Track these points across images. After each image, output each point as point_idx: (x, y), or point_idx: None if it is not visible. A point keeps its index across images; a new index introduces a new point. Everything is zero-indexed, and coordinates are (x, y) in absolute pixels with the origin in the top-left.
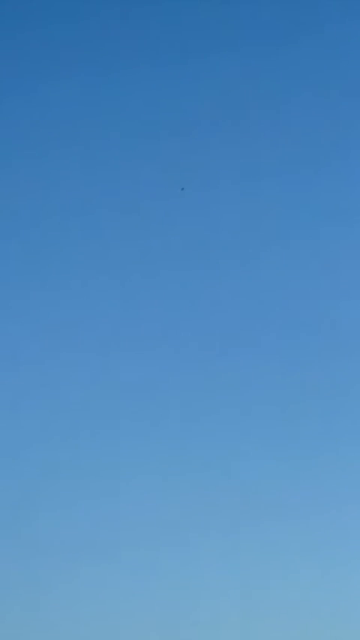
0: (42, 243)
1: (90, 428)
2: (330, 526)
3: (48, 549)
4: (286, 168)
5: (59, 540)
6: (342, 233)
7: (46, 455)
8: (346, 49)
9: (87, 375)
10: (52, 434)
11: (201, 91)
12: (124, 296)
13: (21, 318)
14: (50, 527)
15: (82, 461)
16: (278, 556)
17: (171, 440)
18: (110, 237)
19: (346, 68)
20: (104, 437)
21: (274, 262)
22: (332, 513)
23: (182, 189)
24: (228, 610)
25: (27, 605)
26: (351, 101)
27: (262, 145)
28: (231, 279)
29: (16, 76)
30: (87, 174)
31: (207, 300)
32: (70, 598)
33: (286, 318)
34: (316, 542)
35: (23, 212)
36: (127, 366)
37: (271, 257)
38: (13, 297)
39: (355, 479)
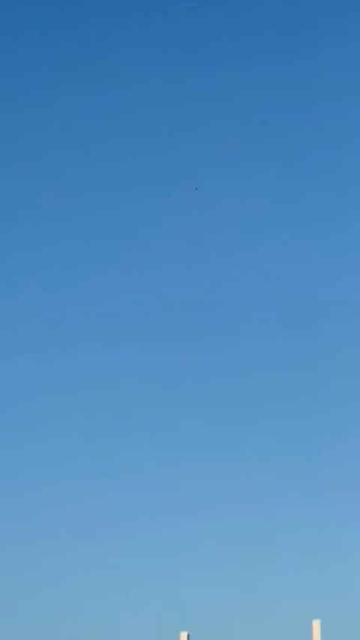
0: (42, 244)
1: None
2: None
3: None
4: (290, 170)
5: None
6: (343, 233)
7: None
8: (349, 54)
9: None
10: None
11: (207, 91)
12: (124, 295)
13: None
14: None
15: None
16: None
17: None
18: (112, 236)
19: (349, 72)
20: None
21: (276, 261)
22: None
23: (196, 188)
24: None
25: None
26: (353, 103)
27: (266, 147)
28: (232, 279)
29: (17, 79)
30: (88, 175)
31: (207, 300)
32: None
33: (286, 318)
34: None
35: (24, 212)
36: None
37: (273, 255)
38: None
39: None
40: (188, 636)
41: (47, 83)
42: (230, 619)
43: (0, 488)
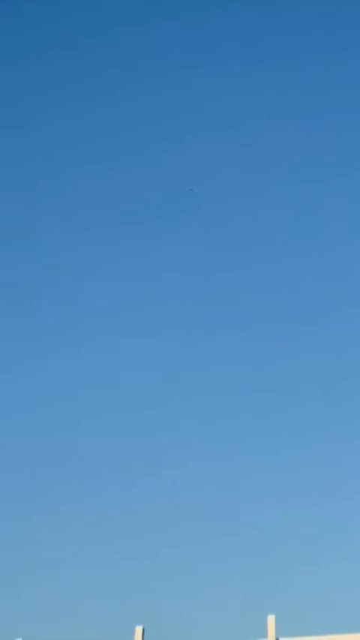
0: (41, 244)
1: None
2: None
3: None
4: (292, 171)
5: None
6: (345, 233)
7: None
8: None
9: None
10: None
11: (205, 92)
12: (124, 295)
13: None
14: None
15: None
16: None
17: None
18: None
19: (351, 74)
20: None
21: (278, 263)
22: None
23: (191, 189)
24: None
25: None
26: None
27: (267, 148)
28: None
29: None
30: (88, 176)
31: (208, 300)
32: None
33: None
34: None
35: (24, 211)
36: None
37: (276, 259)
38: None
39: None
40: (143, 630)
41: (48, 85)
42: (183, 613)
43: None
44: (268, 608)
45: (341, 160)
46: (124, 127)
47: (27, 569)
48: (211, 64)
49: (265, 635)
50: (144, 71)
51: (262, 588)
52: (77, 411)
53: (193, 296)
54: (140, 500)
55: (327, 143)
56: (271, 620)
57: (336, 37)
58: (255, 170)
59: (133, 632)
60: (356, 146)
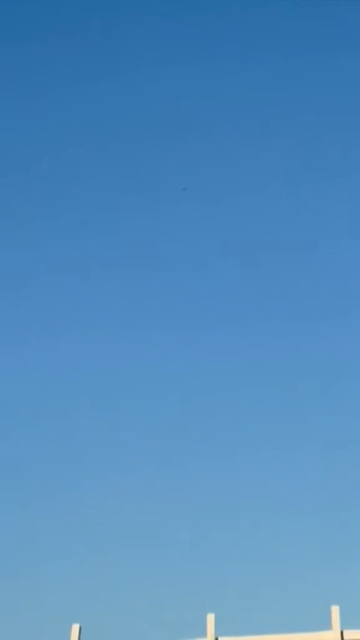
0: (41, 243)
1: None
2: None
3: None
4: (289, 170)
5: None
6: (343, 233)
7: None
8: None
9: None
10: None
11: (203, 91)
12: (123, 295)
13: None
14: None
15: None
16: None
17: None
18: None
19: (350, 73)
20: None
21: (275, 262)
22: None
23: (184, 189)
24: None
25: None
26: (355, 104)
27: (264, 146)
28: (231, 279)
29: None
30: (86, 175)
31: (206, 300)
32: None
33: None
34: None
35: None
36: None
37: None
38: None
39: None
40: (80, 629)
41: (48, 82)
42: (122, 611)
43: None
44: (208, 607)
45: (341, 157)
46: (123, 117)
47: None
48: (213, 58)
49: (205, 634)
50: (145, 62)
51: (201, 587)
52: (77, 404)
53: (191, 291)
54: (138, 492)
55: (328, 141)
56: (210, 618)
57: (337, 35)
58: (255, 167)
59: (69, 631)
60: (356, 145)
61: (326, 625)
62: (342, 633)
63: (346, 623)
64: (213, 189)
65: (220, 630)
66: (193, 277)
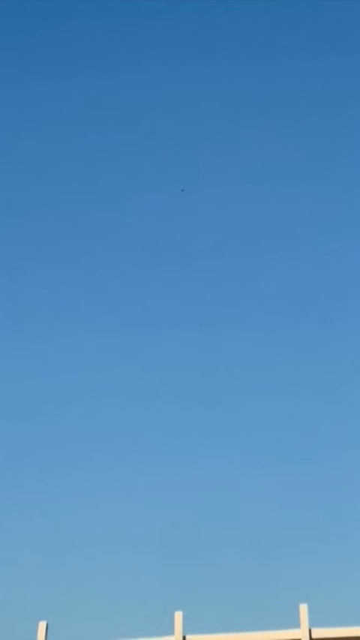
0: (40, 244)
1: None
2: None
3: None
4: (286, 170)
5: None
6: (342, 233)
7: None
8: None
9: None
10: None
11: (202, 90)
12: (122, 296)
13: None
14: None
15: None
16: None
17: None
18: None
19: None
20: None
21: (274, 263)
22: None
23: (182, 190)
24: None
25: None
26: (353, 102)
27: (262, 145)
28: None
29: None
30: (85, 175)
31: (205, 301)
32: None
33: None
34: None
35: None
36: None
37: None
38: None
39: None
40: (47, 625)
41: (47, 79)
42: (89, 608)
43: None
44: (177, 605)
45: (341, 151)
46: (123, 112)
47: None
48: (214, 56)
49: (173, 632)
50: (145, 59)
51: (169, 586)
52: (77, 404)
53: (193, 294)
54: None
55: (329, 138)
56: (178, 617)
57: (337, 33)
58: (256, 162)
59: (36, 628)
60: (356, 142)
61: (295, 623)
62: (310, 631)
63: (314, 621)
64: (212, 186)
65: (187, 629)
66: (193, 276)
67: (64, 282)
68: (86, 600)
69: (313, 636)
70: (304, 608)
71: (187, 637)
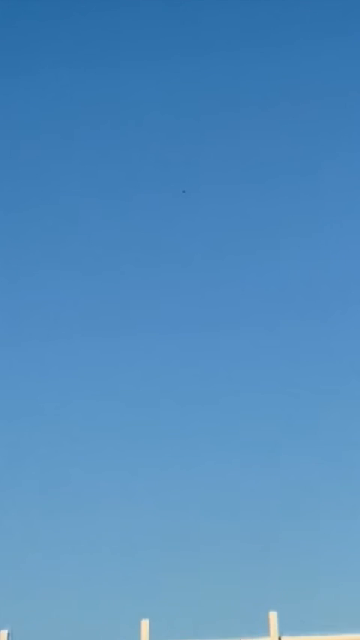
0: (39, 246)
1: None
2: None
3: None
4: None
5: None
6: (342, 236)
7: None
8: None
9: None
10: None
11: (202, 91)
12: (122, 297)
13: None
14: None
15: None
16: None
17: None
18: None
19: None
20: None
21: (274, 264)
22: None
23: (184, 191)
24: None
25: None
26: (352, 100)
27: (262, 142)
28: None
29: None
30: (85, 176)
31: (206, 302)
32: None
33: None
34: None
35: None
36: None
37: (270, 258)
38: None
39: None
40: (8, 635)
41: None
42: (51, 616)
43: None
44: (140, 613)
45: (340, 144)
46: (123, 107)
47: None
48: (213, 49)
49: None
50: (144, 53)
51: (133, 593)
52: (76, 404)
53: (193, 294)
54: (136, 496)
55: (326, 127)
56: (144, 625)
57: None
58: (256, 160)
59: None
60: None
61: (264, 631)
62: (280, 639)
63: (284, 629)
64: (212, 184)
65: (154, 636)
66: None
67: (64, 282)
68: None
69: None
70: (273, 616)
71: None
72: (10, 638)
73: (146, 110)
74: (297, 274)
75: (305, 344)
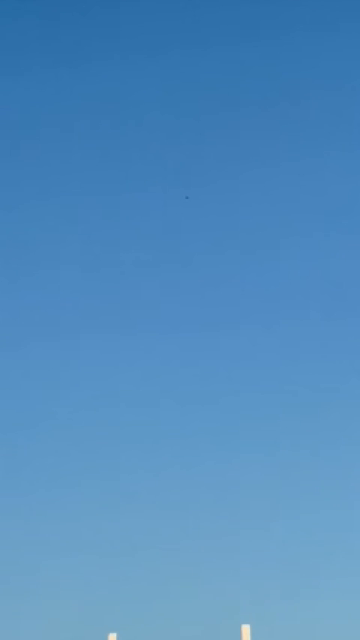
0: (38, 247)
1: None
2: None
3: None
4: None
5: None
6: (342, 236)
7: None
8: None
9: None
10: None
11: (203, 90)
12: (122, 297)
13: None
14: None
15: None
16: None
17: None
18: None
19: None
20: None
21: (274, 264)
22: None
23: (187, 197)
24: None
25: None
26: (354, 97)
27: (262, 140)
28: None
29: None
30: (84, 175)
31: (206, 302)
32: None
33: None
34: None
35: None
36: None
37: (270, 258)
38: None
39: None
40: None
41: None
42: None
43: None
44: (109, 627)
45: (341, 144)
46: (124, 102)
47: None
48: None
49: None
50: (146, 46)
51: (101, 605)
52: (75, 404)
53: (193, 294)
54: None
55: (326, 127)
56: (112, 638)
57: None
58: (257, 158)
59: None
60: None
61: None
62: None
63: None
64: (212, 182)
65: None
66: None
67: (64, 281)
68: None
69: None
70: (246, 629)
71: None
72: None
73: (146, 108)
74: (297, 274)
75: (305, 344)
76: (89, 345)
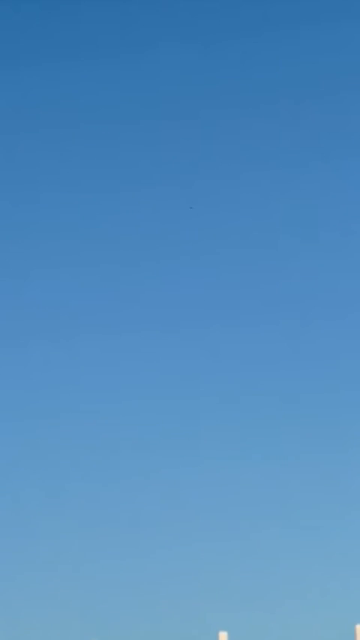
0: (39, 249)
1: None
2: None
3: None
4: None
5: None
6: (342, 236)
7: None
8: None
9: None
10: None
11: (203, 89)
12: (122, 296)
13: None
14: None
15: None
16: None
17: None
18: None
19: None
20: None
21: (274, 264)
22: None
23: (191, 207)
24: None
25: None
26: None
27: (263, 138)
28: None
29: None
30: (84, 173)
31: (206, 302)
32: None
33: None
34: None
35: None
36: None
37: (270, 258)
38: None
39: None
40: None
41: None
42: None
43: None
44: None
45: (341, 144)
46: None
47: None
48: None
49: None
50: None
51: (83, 612)
52: (76, 405)
53: (193, 293)
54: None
55: (326, 127)
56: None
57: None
58: (257, 156)
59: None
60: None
61: None
62: None
63: None
64: (213, 181)
65: None
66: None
67: (64, 281)
68: None
69: None
70: (223, 636)
71: None
72: None
73: (146, 107)
74: (297, 275)
75: (306, 344)
76: (89, 345)
